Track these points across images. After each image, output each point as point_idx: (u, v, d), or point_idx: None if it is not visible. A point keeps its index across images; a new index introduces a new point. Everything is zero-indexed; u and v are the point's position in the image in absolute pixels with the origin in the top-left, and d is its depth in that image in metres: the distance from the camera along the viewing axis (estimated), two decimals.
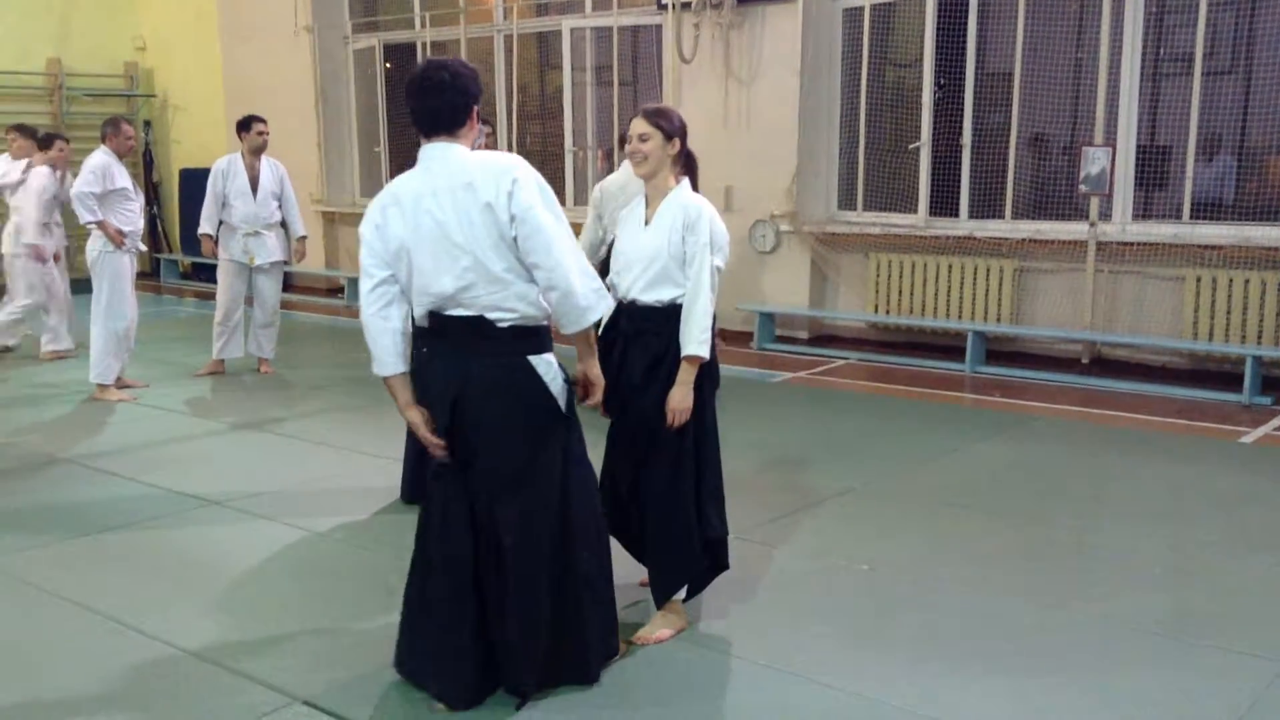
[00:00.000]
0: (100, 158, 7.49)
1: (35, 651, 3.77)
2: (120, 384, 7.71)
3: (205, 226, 8.32)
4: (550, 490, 3.32)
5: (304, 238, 8.59)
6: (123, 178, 7.56)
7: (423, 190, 3.22)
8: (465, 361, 3.24)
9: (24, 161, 9.01)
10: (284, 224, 8.52)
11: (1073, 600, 4.14)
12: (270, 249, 8.36)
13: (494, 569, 3.29)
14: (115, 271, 7.51)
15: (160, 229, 14.84)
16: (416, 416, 3.30)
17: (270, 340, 8.52)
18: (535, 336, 3.29)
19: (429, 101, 3.26)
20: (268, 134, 8.33)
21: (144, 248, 7.97)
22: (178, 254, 14.63)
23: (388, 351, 3.28)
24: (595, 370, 3.41)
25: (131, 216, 7.58)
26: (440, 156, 3.26)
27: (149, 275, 14.58)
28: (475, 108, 3.30)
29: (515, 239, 3.15)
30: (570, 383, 3.39)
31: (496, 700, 3.34)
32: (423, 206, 3.21)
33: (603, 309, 3.32)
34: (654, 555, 3.81)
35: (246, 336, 8.51)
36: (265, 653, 3.71)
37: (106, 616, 4.00)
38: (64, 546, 4.76)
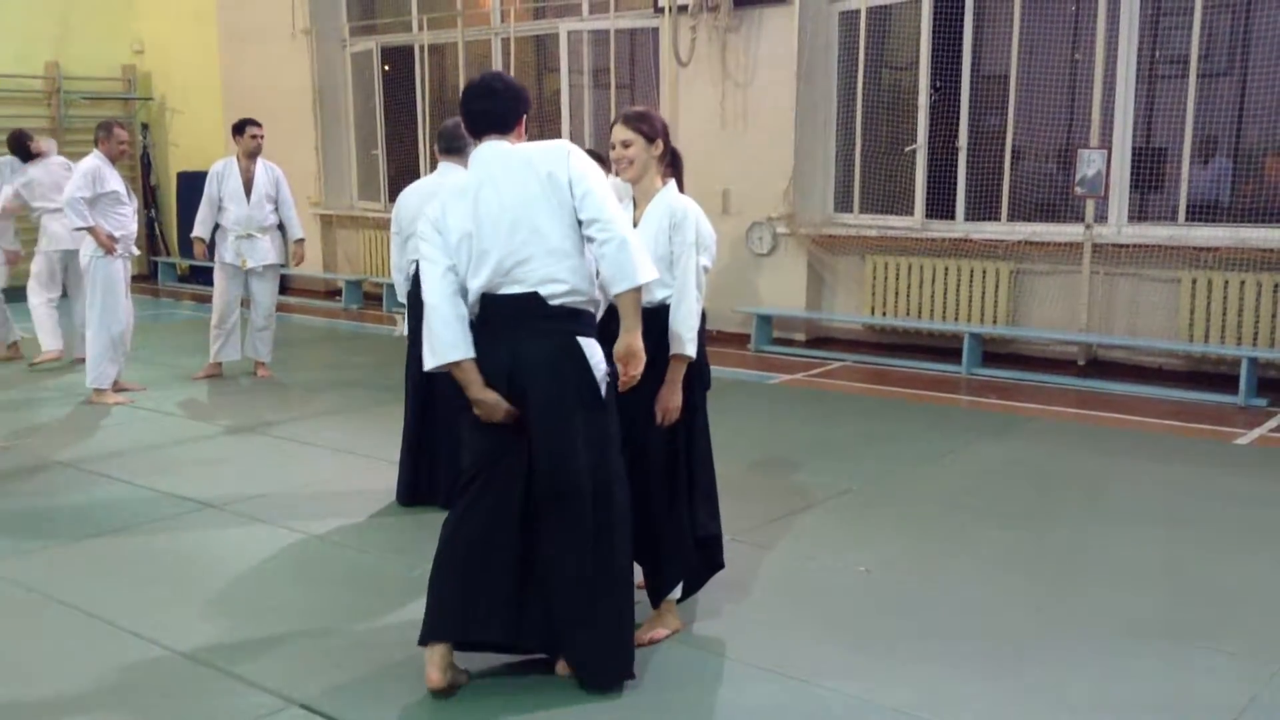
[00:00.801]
0: (91, 161, 7.50)
1: (30, 654, 3.77)
2: (117, 387, 7.72)
3: (198, 229, 8.33)
4: (591, 476, 3.37)
5: (302, 240, 8.56)
6: (114, 181, 7.56)
7: (482, 179, 3.41)
8: (516, 340, 3.35)
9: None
10: (282, 227, 8.51)
11: (1069, 601, 4.15)
12: (263, 252, 8.33)
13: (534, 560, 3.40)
14: (108, 276, 7.50)
15: (158, 232, 14.85)
16: (492, 396, 3.35)
17: (266, 343, 8.51)
18: (584, 317, 3.43)
19: (484, 104, 3.50)
20: (261, 137, 8.33)
21: (137, 252, 7.97)
22: (175, 257, 14.63)
23: (460, 335, 3.36)
24: (637, 342, 3.40)
25: (124, 220, 7.57)
26: (492, 150, 3.47)
27: (147, 278, 14.60)
28: (525, 115, 3.56)
29: (574, 204, 3.35)
30: (612, 373, 3.43)
31: (487, 694, 3.36)
32: (482, 195, 3.39)
33: (654, 273, 3.40)
34: (648, 555, 3.81)
35: (243, 339, 8.52)
36: (262, 656, 3.71)
37: (103, 620, 4.00)
38: (60, 550, 4.77)
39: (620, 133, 3.75)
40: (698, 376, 3.75)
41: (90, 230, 7.39)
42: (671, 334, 3.66)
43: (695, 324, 3.67)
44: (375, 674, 3.55)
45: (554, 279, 3.34)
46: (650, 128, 3.74)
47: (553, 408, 3.34)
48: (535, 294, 3.33)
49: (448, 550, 3.43)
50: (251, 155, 8.30)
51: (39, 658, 3.74)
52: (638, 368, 3.41)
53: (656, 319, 3.67)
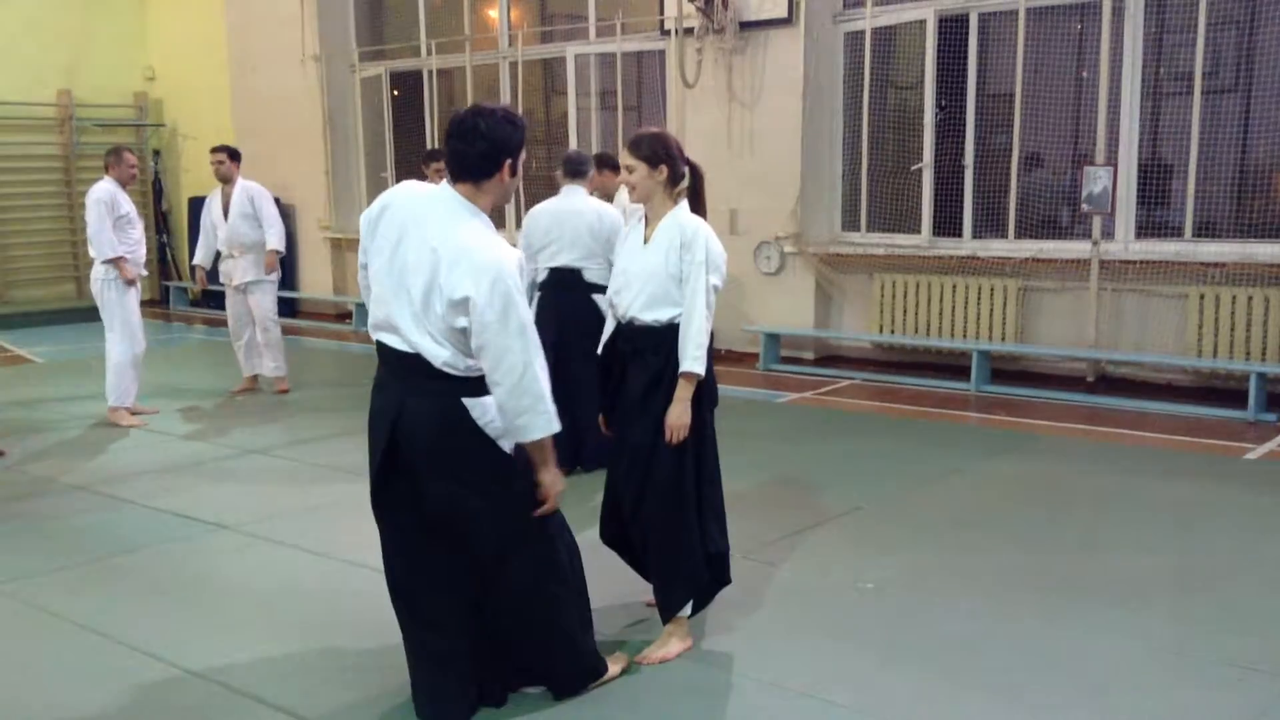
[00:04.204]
0: (105, 187, 7.61)
1: (45, 674, 3.80)
2: (133, 410, 7.78)
3: (196, 257, 8.85)
4: (507, 527, 3.32)
5: (274, 250, 8.68)
6: (127, 204, 7.73)
7: (407, 226, 3.21)
8: (401, 394, 3.27)
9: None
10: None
11: (1077, 617, 4.15)
12: (243, 270, 8.66)
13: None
14: (123, 297, 7.63)
15: (170, 257, 14.95)
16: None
17: (273, 356, 8.73)
18: (471, 383, 3.23)
19: (460, 146, 3.22)
20: (221, 162, 8.60)
21: (146, 273, 8.09)
22: (187, 281, 14.72)
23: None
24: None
25: (132, 244, 7.69)
26: (446, 207, 3.23)
27: (159, 303, 14.70)
28: (509, 161, 3.23)
29: (465, 324, 3.12)
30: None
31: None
32: (400, 247, 3.20)
33: (553, 425, 3.23)
34: (658, 572, 3.84)
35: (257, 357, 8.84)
36: (273, 675, 3.74)
37: (116, 639, 4.03)
38: (72, 571, 4.80)
39: (624, 158, 3.81)
40: (706, 394, 3.77)
41: (117, 261, 7.56)
42: (681, 352, 3.68)
43: (705, 342, 3.69)
44: (386, 693, 3.56)
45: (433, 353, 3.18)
46: (651, 153, 3.76)
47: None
48: (418, 354, 3.19)
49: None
50: (222, 180, 8.65)
51: (54, 678, 3.77)
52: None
53: (667, 337, 3.70)
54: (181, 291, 14.69)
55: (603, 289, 5.92)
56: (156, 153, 14.86)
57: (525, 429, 3.18)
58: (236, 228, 8.53)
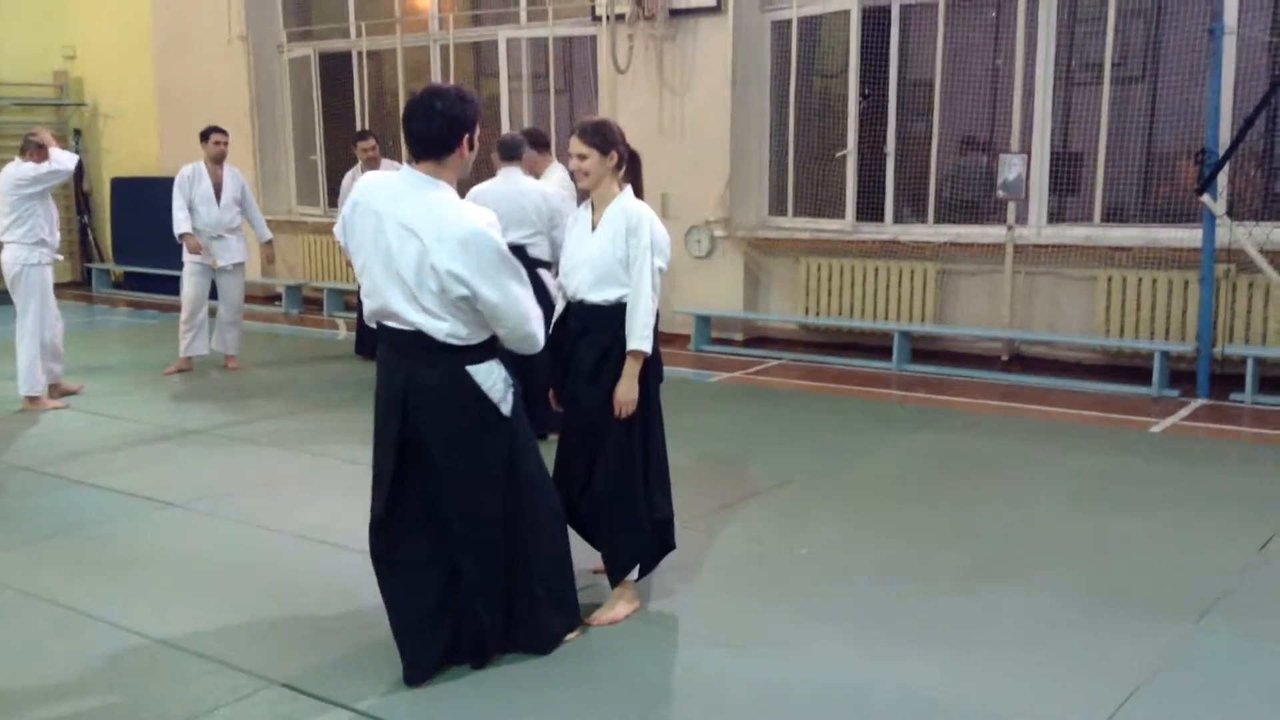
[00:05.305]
0: (15, 168, 7.49)
1: (10, 646, 3.89)
2: (57, 391, 7.76)
3: (183, 226, 8.69)
4: (499, 487, 3.53)
5: (270, 241, 9.12)
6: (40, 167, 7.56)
7: (383, 216, 3.39)
8: (408, 368, 3.48)
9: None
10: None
11: (997, 576, 4.44)
12: (233, 251, 8.86)
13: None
14: (40, 282, 7.54)
15: (91, 238, 14.74)
16: None
17: (235, 338, 9.01)
18: (471, 352, 3.47)
19: (419, 126, 3.40)
20: (224, 144, 8.82)
21: (61, 257, 8.02)
22: (110, 263, 14.54)
23: None
24: None
25: (49, 225, 7.62)
26: (413, 188, 3.41)
27: (81, 285, 14.50)
28: (466, 135, 3.43)
29: (457, 294, 3.34)
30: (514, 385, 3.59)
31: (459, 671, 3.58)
32: (380, 235, 3.38)
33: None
34: (607, 538, 4.05)
35: (211, 335, 8.92)
36: (239, 641, 3.88)
37: (78, 611, 4.13)
38: (28, 549, 4.87)
39: (576, 146, 3.97)
40: (652, 369, 3.98)
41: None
42: (628, 331, 3.88)
43: (651, 321, 3.90)
44: (354, 653, 3.73)
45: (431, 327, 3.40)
46: (604, 141, 3.95)
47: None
48: (419, 332, 3.40)
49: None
50: (217, 160, 8.77)
51: (19, 649, 3.87)
52: None
53: (614, 316, 3.91)
54: (104, 273, 14.50)
55: (545, 264, 6.23)
56: (77, 132, 14.62)
57: (532, 349, 3.54)
58: (230, 210, 8.79)
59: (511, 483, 3.56)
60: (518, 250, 6.29)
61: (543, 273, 6.20)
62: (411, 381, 3.43)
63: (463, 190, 3.66)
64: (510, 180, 6.46)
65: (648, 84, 9.98)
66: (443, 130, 3.39)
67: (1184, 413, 7.26)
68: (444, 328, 3.38)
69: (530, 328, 3.47)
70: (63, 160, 7.60)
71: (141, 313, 12.36)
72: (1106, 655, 3.73)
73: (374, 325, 3.54)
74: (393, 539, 3.54)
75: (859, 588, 4.34)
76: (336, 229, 3.53)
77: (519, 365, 3.71)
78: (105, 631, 3.96)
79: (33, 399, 7.55)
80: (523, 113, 11.22)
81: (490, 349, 3.52)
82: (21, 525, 5.20)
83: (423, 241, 3.30)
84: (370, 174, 3.61)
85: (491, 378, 3.48)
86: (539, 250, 6.33)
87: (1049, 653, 3.76)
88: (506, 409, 3.52)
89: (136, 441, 6.71)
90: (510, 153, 6.55)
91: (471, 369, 3.44)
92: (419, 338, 3.40)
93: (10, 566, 4.64)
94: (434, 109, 3.39)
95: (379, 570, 3.59)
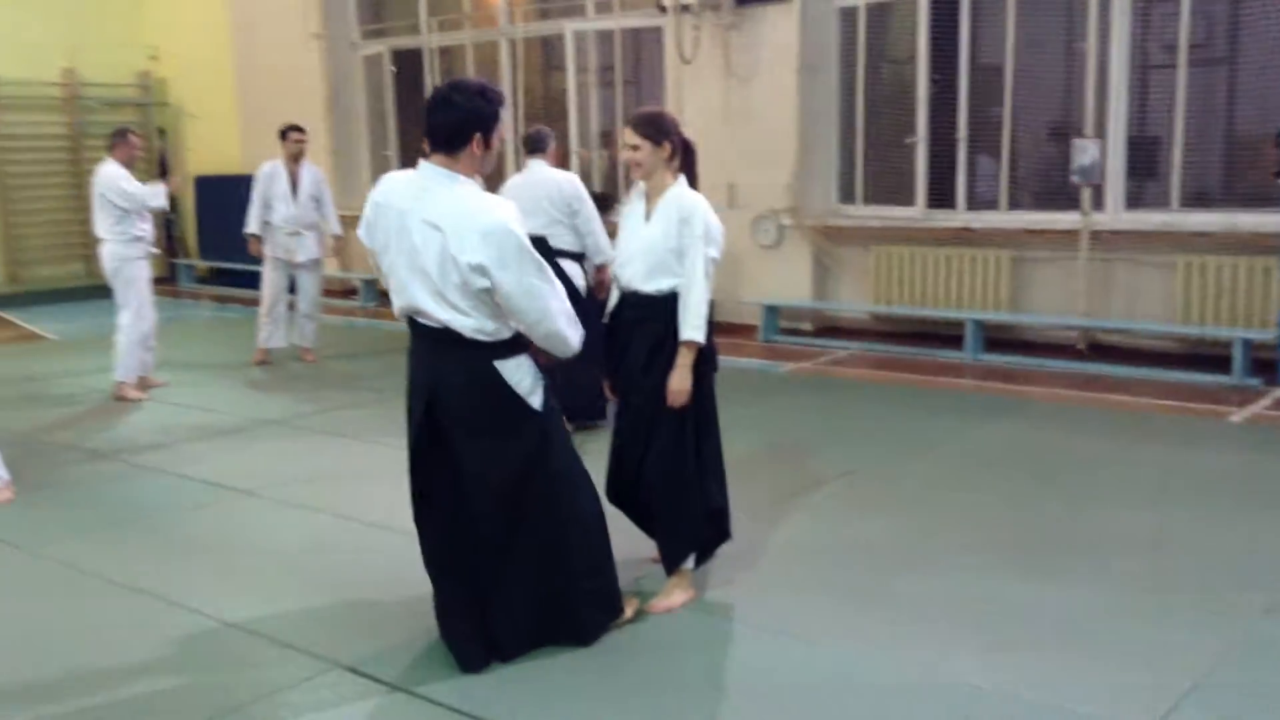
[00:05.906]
0: (111, 169, 7.72)
1: (89, 629, 4.03)
2: (144, 384, 8.01)
3: (251, 227, 8.98)
4: (521, 483, 3.56)
5: (339, 236, 9.29)
6: (133, 185, 7.83)
7: (405, 213, 3.41)
8: (435, 364, 3.53)
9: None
10: None
11: (1062, 570, 4.38)
12: (309, 247, 9.07)
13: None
14: (136, 276, 7.82)
15: (177, 235, 15.12)
16: None
17: (312, 331, 9.27)
18: (499, 347, 3.50)
19: (436, 118, 3.42)
20: (304, 141, 9.03)
21: (157, 251, 8.30)
22: (195, 259, 14.92)
23: None
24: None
25: (143, 223, 7.87)
26: (427, 182, 3.43)
27: (167, 280, 14.88)
28: (479, 134, 3.40)
29: (479, 285, 3.35)
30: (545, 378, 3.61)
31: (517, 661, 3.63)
32: (402, 232, 3.41)
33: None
34: (662, 527, 4.08)
35: (289, 328, 9.19)
36: (307, 625, 3.98)
37: (154, 595, 4.27)
38: (106, 534, 5.04)
39: (629, 137, 3.99)
40: (705, 359, 3.99)
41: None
42: (681, 321, 3.90)
43: (704, 311, 3.91)
44: (415, 638, 3.80)
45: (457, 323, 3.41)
46: (657, 131, 3.97)
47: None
48: (446, 327, 3.42)
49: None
50: (295, 158, 8.98)
51: (98, 632, 4.00)
52: None
53: (667, 306, 3.93)
54: (189, 269, 14.88)
55: (570, 254, 6.26)
56: (162, 132, 15.01)
57: (560, 349, 3.53)
58: (306, 207, 8.99)
59: (545, 475, 3.58)
60: (538, 241, 6.36)
61: (567, 264, 6.21)
62: (439, 375, 3.47)
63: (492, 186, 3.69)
64: (533, 172, 6.57)
65: (714, 74, 9.96)
66: (457, 123, 3.39)
67: (1265, 402, 7.08)
68: (470, 323, 3.41)
69: (554, 325, 3.44)
70: (147, 196, 7.77)
71: (225, 307, 12.68)
72: (1170, 648, 3.67)
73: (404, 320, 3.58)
74: (422, 522, 3.62)
75: (920, 583, 4.30)
76: (360, 230, 3.57)
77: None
78: (178, 615, 4.09)
79: (122, 386, 7.84)
80: (590, 106, 11.27)
81: (519, 344, 3.52)
82: (98, 512, 5.38)
83: (444, 234, 3.32)
84: (391, 175, 3.64)
85: (519, 372, 3.50)
86: (561, 240, 6.35)
87: (1110, 644, 3.71)
88: (536, 403, 3.53)
89: (215, 432, 6.90)
90: (535, 145, 6.69)
91: (499, 364, 3.47)
92: (446, 333, 3.44)
93: (87, 551, 4.81)
94: (450, 101, 3.41)
95: (425, 562, 3.68)
